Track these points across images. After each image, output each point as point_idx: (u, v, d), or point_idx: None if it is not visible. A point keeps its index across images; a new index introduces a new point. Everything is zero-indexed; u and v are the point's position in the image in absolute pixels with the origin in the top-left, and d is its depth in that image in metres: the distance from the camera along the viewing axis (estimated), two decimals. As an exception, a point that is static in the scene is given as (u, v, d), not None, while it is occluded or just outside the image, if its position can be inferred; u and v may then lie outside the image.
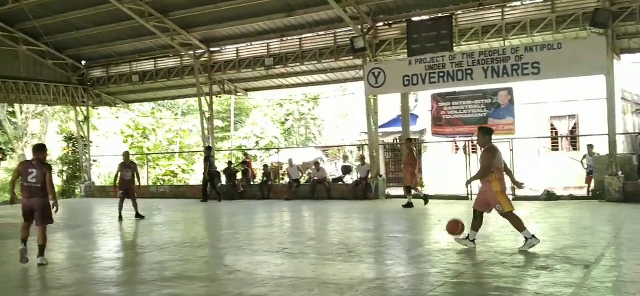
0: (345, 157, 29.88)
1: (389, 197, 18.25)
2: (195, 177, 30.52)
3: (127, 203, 14.26)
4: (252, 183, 21.36)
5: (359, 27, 17.35)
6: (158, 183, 28.22)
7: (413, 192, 15.10)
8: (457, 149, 22.86)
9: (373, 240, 10.16)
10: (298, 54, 19.29)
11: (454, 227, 8.70)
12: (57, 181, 27.68)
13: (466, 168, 16.95)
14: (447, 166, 20.88)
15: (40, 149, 9.11)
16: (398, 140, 26.00)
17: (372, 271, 7.50)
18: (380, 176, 18.59)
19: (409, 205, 14.79)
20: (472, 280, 6.71)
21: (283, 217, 14.91)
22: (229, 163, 22.37)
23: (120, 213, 14.19)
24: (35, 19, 19.70)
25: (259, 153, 33.03)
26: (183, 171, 32.87)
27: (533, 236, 7.99)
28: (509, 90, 17.88)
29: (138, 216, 14.26)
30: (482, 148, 8.36)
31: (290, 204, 17.65)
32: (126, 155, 15.08)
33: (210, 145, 21.26)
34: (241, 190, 20.43)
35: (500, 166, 8.19)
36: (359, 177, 18.50)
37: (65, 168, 26.95)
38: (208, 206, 18.29)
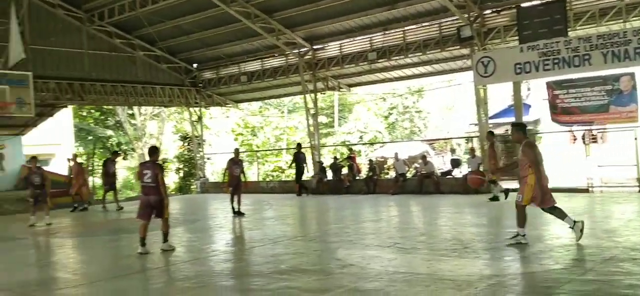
0: (452, 150, 29.17)
1: (501, 191, 17.59)
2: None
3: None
4: (357, 178, 21.45)
5: (466, 15, 16.86)
6: (267, 179, 29.11)
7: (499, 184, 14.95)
8: (574, 139, 21.59)
9: (488, 236, 9.85)
10: (402, 46, 19.09)
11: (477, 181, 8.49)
12: (174, 178, 29.39)
13: (585, 158, 15.97)
14: (564, 157, 19.79)
15: (153, 152, 9.91)
16: (510, 132, 25.04)
17: (490, 267, 7.26)
18: (492, 169, 17.96)
19: (494, 198, 14.80)
20: (601, 278, 6.30)
21: (391, 212, 14.84)
22: (335, 158, 22.62)
23: (232, 207, 14.70)
24: (150, 26, 20.97)
25: (364, 148, 33.08)
26: (290, 167, 33.67)
27: (524, 235, 8.15)
28: (632, 76, 16.58)
29: (239, 213, 14.55)
30: (520, 145, 8.24)
31: (397, 199, 17.51)
32: (237, 152, 15.59)
33: (300, 142, 22.70)
34: (347, 185, 20.58)
35: (535, 160, 8.08)
36: (469, 170, 18.00)
37: (181, 166, 28.46)
38: (314, 201, 18.59)
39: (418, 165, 20.53)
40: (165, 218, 9.59)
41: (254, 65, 23.38)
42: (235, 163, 14.85)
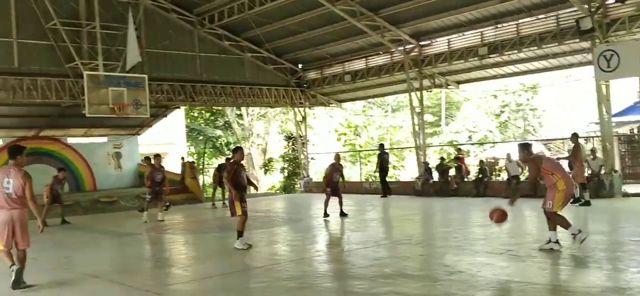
0: (570, 151, 27.56)
1: (626, 195, 16.39)
2: (406, 173, 30.77)
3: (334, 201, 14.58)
4: (465, 179, 20.83)
5: (586, 6, 15.83)
6: (370, 180, 29.07)
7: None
8: None
9: (611, 244, 9.16)
10: (515, 40, 18.28)
11: (500, 216, 8.63)
12: (279, 177, 30.12)
13: None
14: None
15: (235, 152, 10.60)
16: (636, 131, 23.25)
17: (613, 279, 6.74)
18: (615, 171, 16.77)
19: (586, 203, 14.34)
20: None
21: (502, 216, 14.23)
22: (442, 159, 22.11)
23: (325, 211, 14.47)
24: (257, 28, 21.61)
25: (473, 149, 32.12)
26: (394, 168, 33.39)
27: (557, 241, 8.34)
28: None
29: (342, 214, 14.50)
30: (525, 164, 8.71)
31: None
32: (338, 157, 15.37)
33: (383, 143, 24.16)
34: (455, 187, 20.04)
35: (557, 167, 8.69)
36: (590, 172, 16.90)
37: (286, 165, 29.14)
38: (418, 203, 18.26)
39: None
40: (239, 215, 10.05)
41: (358, 64, 23.40)
42: (336, 169, 14.77)
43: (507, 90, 36.31)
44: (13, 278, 7.46)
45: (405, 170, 31.98)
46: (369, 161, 33.57)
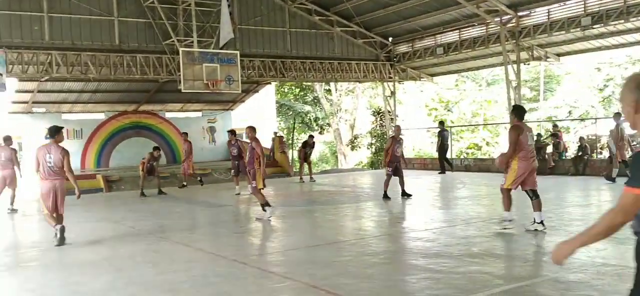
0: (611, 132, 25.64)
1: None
2: (500, 150, 29.81)
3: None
4: (563, 157, 19.88)
5: None
6: (461, 157, 28.44)
7: None
8: None
9: None
10: (622, 10, 17.08)
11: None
12: (367, 153, 30.13)
13: None
14: None
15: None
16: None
17: None
18: None
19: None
20: None
21: (602, 196, 13.53)
22: (538, 136, 21.22)
23: (385, 192, 13.56)
24: (347, 1, 21.54)
25: (573, 125, 30.58)
26: (487, 144, 32.46)
27: (511, 220, 8.73)
28: None
29: (405, 195, 13.63)
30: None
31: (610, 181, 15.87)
32: (398, 129, 14.17)
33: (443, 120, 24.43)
34: (552, 165, 19.19)
35: (524, 145, 8.57)
36: None
37: (373, 141, 29.05)
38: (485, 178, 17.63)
39: (638, 144, 18.34)
40: (258, 189, 10.71)
41: (451, 37, 22.80)
42: (397, 142, 13.57)
43: (612, 63, 34.10)
44: (58, 236, 8.91)
45: (499, 147, 30.97)
46: (461, 137, 32.86)
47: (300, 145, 22.78)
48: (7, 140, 14.04)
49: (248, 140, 11.37)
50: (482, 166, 22.38)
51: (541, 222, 8.55)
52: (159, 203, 15.11)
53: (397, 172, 13.59)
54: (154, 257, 8.00)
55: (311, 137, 21.58)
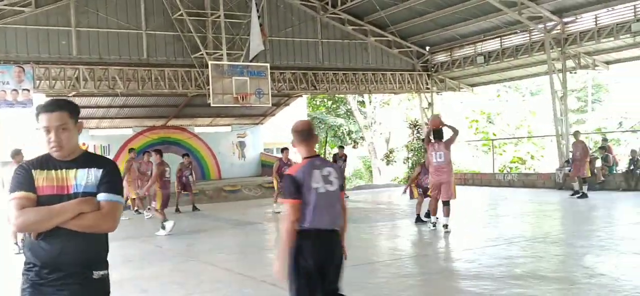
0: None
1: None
2: (546, 164, 29.24)
3: None
4: (614, 171, 19.41)
5: None
6: (505, 171, 28.00)
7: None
8: None
9: None
10: (676, 13, 16.70)
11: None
12: (404, 167, 29.91)
13: None
14: None
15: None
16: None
17: None
18: None
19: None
20: None
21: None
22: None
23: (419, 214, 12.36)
24: (382, 10, 21.53)
25: (624, 137, 29.87)
26: (532, 158, 31.87)
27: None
28: None
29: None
30: None
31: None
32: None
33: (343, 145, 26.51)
34: (601, 180, 18.74)
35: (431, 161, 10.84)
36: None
37: (410, 155, 28.80)
38: (561, 196, 17.26)
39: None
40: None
41: (491, 45, 22.54)
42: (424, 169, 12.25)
43: (667, 71, 33.25)
44: None
45: (544, 161, 30.40)
46: (504, 151, 32.37)
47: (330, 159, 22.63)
48: None
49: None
50: (526, 181, 21.95)
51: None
52: (188, 220, 15.26)
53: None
54: (181, 278, 8.06)
55: (341, 148, 21.45)
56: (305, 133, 4.38)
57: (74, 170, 2.95)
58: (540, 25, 19.87)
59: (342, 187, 4.41)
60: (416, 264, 8.57)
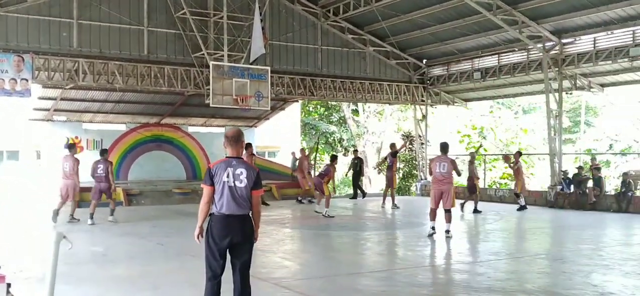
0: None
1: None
2: (536, 181, 29.56)
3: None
4: (605, 193, 19.66)
5: None
6: (494, 187, 28.23)
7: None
8: None
9: None
10: (674, 40, 17.03)
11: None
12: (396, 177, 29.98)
13: None
14: None
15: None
16: None
17: None
18: None
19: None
20: None
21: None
22: (580, 168, 21.06)
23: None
24: (383, 20, 21.67)
25: (614, 159, 30.30)
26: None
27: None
28: None
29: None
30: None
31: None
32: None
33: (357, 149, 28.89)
34: (593, 201, 18.98)
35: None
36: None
37: (402, 166, 28.95)
38: (553, 215, 17.48)
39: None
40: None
41: (489, 61, 22.78)
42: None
43: (657, 96, 33.79)
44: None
45: (535, 178, 30.70)
46: (493, 166, 32.62)
47: (327, 164, 21.98)
48: (72, 148, 14.51)
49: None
50: (513, 199, 22.09)
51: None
52: (182, 220, 15.20)
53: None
54: (190, 276, 8.06)
55: (334, 157, 21.46)
56: (233, 139, 5.62)
57: None
58: (539, 45, 20.13)
59: (255, 187, 5.50)
60: (425, 275, 8.65)
